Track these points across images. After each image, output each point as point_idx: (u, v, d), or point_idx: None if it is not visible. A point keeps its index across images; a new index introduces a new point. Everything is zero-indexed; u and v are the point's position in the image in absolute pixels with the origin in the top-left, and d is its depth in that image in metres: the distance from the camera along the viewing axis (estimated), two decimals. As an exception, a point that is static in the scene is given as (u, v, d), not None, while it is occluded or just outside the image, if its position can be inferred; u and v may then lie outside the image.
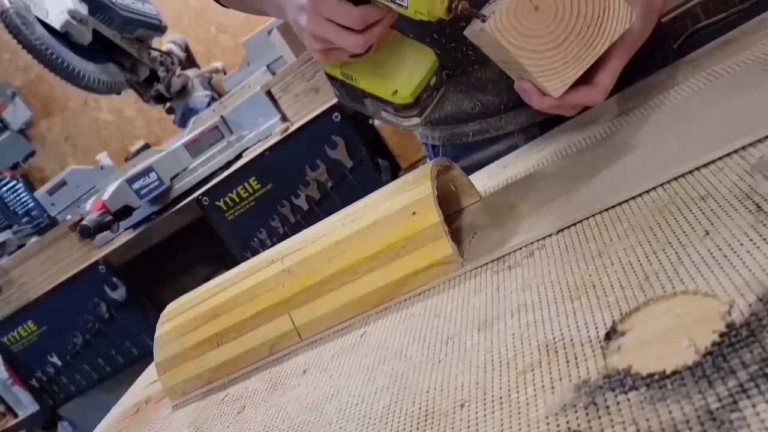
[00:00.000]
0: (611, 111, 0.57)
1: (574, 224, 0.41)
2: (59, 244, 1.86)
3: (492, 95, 0.68)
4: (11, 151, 2.54)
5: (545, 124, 0.66)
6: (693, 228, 0.33)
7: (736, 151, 0.37)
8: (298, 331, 0.51)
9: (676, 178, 0.39)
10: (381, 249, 0.47)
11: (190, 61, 2.09)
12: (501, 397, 0.30)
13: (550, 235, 0.42)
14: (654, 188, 0.39)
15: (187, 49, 2.08)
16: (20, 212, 2.14)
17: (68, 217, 1.97)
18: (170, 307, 0.61)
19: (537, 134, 0.66)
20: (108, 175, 2.06)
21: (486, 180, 0.60)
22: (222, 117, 1.73)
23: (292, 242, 0.54)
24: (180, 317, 0.58)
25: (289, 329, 0.51)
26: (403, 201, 0.47)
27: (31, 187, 2.24)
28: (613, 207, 0.40)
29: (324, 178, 1.55)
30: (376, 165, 1.55)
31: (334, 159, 1.54)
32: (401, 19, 0.63)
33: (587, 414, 0.26)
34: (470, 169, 0.68)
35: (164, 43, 1.97)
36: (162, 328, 0.58)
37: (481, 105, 0.69)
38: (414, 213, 0.46)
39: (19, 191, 2.16)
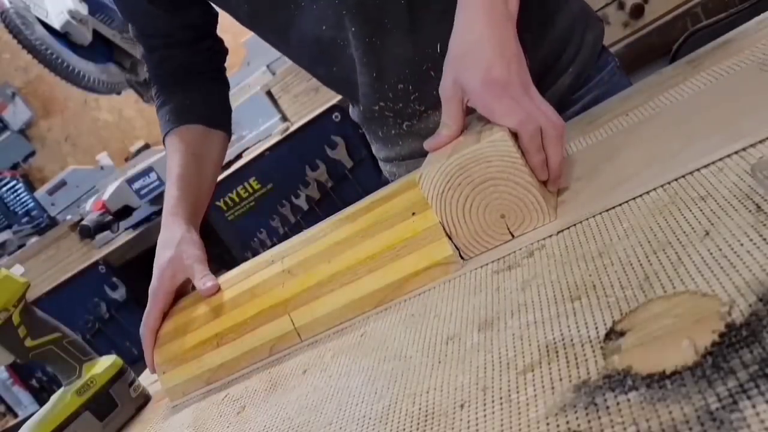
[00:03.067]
0: (611, 111, 0.57)
1: (574, 225, 0.41)
2: (59, 244, 1.86)
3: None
4: (11, 151, 2.54)
5: None
6: (693, 228, 0.33)
7: (736, 152, 0.37)
8: (298, 331, 0.51)
9: (676, 179, 0.39)
10: (381, 250, 0.47)
11: (190, 61, 2.09)
12: (501, 398, 0.30)
13: (550, 235, 0.42)
14: (654, 189, 0.39)
15: (187, 49, 2.08)
16: (20, 212, 2.14)
17: (68, 217, 1.97)
18: (172, 308, 0.61)
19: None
20: (108, 175, 2.06)
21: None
22: (222, 117, 1.73)
23: (292, 242, 0.54)
24: (180, 318, 0.58)
25: (289, 330, 0.51)
26: (403, 202, 0.47)
27: (31, 187, 2.24)
28: (613, 207, 0.40)
29: (324, 178, 1.55)
30: (376, 165, 1.55)
31: (334, 159, 1.54)
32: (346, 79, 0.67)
33: (587, 414, 0.26)
34: None
35: (164, 43, 1.96)
36: (162, 329, 0.58)
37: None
38: (413, 214, 0.46)
39: (19, 191, 2.16)
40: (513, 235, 0.44)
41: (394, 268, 0.46)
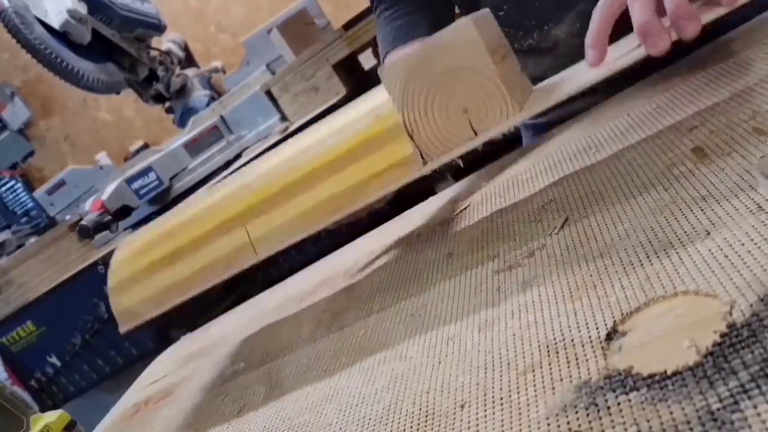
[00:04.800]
0: (612, 111, 0.57)
1: (539, 116, 0.41)
2: (58, 244, 1.86)
3: (557, 61, 0.68)
4: (10, 150, 2.54)
5: (619, 81, 0.64)
6: (694, 228, 0.33)
7: (736, 150, 0.37)
8: (253, 244, 0.47)
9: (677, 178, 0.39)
10: (340, 153, 0.44)
11: (189, 61, 2.09)
12: (501, 398, 0.30)
13: (551, 234, 0.42)
14: (655, 188, 0.39)
15: (186, 49, 2.08)
16: (19, 212, 2.14)
17: (67, 217, 1.96)
18: (129, 236, 0.58)
19: (613, 93, 0.63)
20: (107, 175, 2.05)
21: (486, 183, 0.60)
22: (221, 116, 1.73)
23: (257, 160, 0.52)
24: (137, 241, 0.54)
25: (244, 243, 0.47)
26: (367, 106, 0.45)
27: (30, 187, 2.24)
28: (614, 206, 0.40)
29: (323, 178, 1.55)
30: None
31: (334, 159, 1.54)
32: None
33: (588, 415, 0.25)
34: (545, 127, 0.69)
35: (163, 42, 1.96)
36: (118, 253, 0.55)
37: (551, 70, 0.69)
38: (377, 115, 0.44)
39: (18, 191, 2.16)
40: (476, 133, 0.41)
41: (352, 171, 0.44)
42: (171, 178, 1.66)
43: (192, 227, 0.50)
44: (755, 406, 0.21)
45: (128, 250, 0.54)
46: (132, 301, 0.52)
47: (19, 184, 2.17)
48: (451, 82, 0.40)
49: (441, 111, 0.41)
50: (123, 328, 0.54)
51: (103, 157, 2.36)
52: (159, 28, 1.82)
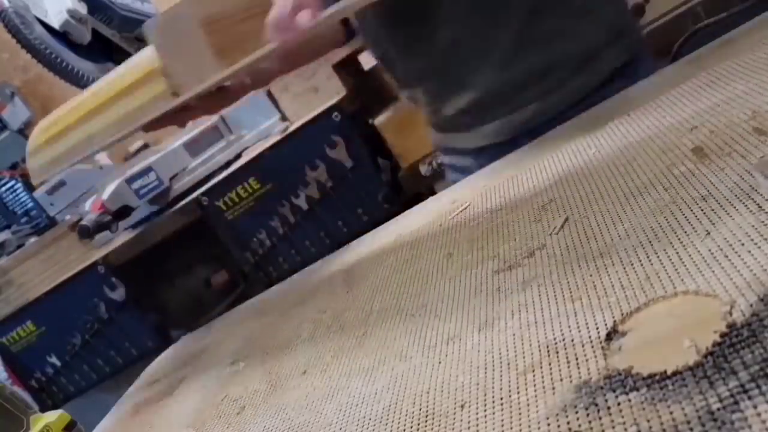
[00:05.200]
0: (612, 111, 0.57)
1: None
2: (58, 244, 1.86)
3: (436, 114, 0.74)
4: (10, 150, 2.53)
5: (498, 146, 0.67)
6: (694, 228, 0.33)
7: (736, 150, 0.37)
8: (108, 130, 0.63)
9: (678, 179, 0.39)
10: (139, 78, 0.59)
11: (189, 61, 2.08)
12: (501, 398, 0.30)
13: (551, 234, 0.42)
14: (655, 188, 0.39)
15: (186, 49, 2.07)
16: (19, 212, 2.14)
17: (67, 217, 1.96)
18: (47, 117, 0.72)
19: (491, 156, 0.65)
20: (107, 175, 2.05)
21: (487, 180, 0.60)
22: (221, 116, 1.73)
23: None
24: (49, 118, 0.69)
25: (106, 125, 0.63)
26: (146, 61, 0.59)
27: (30, 187, 2.23)
28: (614, 206, 0.40)
29: (324, 178, 1.55)
30: (376, 165, 1.54)
31: (334, 159, 1.53)
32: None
33: (588, 415, 0.25)
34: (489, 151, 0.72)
35: (163, 42, 1.96)
36: (37, 127, 0.69)
37: (436, 120, 0.75)
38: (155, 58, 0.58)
39: (18, 191, 2.16)
40: (178, 95, 0.55)
41: (144, 91, 0.58)
42: (171, 178, 1.66)
43: (76, 111, 0.66)
44: (755, 406, 0.21)
45: (41, 125, 0.69)
46: (41, 161, 0.69)
47: (19, 184, 2.17)
48: (178, 44, 0.56)
49: (173, 65, 0.56)
50: (35, 181, 0.72)
51: (102, 157, 2.35)
52: (159, 28, 1.82)
